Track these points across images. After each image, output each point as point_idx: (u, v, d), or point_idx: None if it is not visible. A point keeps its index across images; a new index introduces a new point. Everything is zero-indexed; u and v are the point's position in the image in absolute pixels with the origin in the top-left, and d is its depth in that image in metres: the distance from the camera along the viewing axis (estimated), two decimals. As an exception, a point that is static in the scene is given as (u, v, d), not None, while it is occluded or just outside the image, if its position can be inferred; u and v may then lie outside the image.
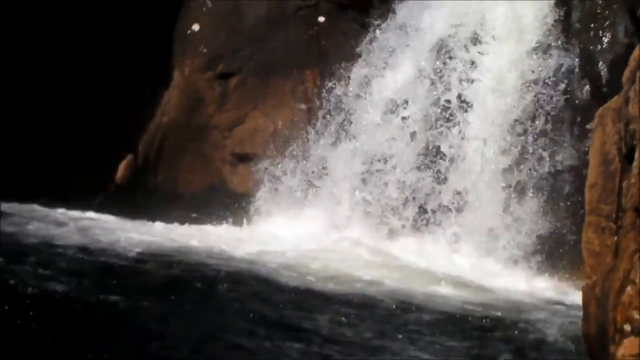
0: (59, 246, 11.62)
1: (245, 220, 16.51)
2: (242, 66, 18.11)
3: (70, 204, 16.03)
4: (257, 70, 18.01)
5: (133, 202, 17.43)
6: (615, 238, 7.13)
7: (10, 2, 17.13)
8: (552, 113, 14.81)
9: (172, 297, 9.66)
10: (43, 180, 16.61)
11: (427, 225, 15.29)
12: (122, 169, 18.75)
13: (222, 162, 18.24)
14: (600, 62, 14.52)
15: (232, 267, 11.88)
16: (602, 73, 14.45)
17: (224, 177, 18.13)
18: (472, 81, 15.57)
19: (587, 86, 14.59)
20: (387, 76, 16.50)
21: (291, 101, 17.78)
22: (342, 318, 9.44)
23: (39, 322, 7.69)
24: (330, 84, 17.12)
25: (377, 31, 16.77)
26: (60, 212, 15.59)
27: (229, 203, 16.94)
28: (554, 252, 14.42)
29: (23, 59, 17.42)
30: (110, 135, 18.21)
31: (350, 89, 16.85)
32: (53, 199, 16.06)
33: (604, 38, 14.58)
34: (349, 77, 16.92)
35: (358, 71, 16.82)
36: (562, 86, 14.86)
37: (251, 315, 9.17)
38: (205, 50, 18.31)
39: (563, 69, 14.90)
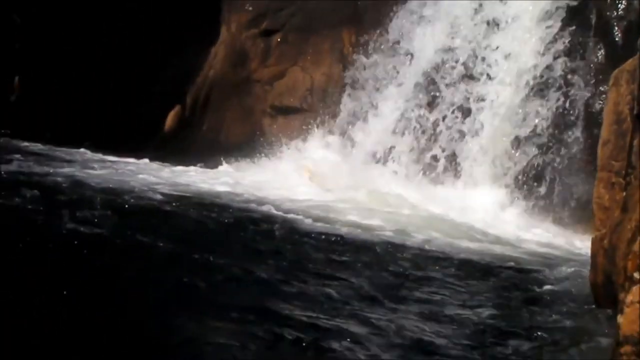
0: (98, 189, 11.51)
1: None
2: (284, 24, 18.08)
3: (121, 152, 16.04)
4: (297, 28, 17.96)
5: (180, 150, 17.36)
6: (624, 193, 7.11)
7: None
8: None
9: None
10: (96, 129, 16.74)
11: (453, 173, 15.28)
12: (170, 119, 18.88)
13: (262, 114, 18.30)
14: (616, 28, 14.38)
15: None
16: (617, 38, 14.31)
17: (264, 127, 18.21)
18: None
19: (603, 50, 14.46)
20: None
21: (328, 58, 17.72)
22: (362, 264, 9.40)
23: (70, 261, 7.70)
24: (364, 42, 17.07)
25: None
26: (111, 159, 15.59)
27: (267, 152, 16.80)
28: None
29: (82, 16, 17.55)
30: (160, 87, 18.40)
31: (383, 46, 16.77)
32: (105, 147, 16.12)
33: (619, 5, 14.42)
34: (382, 35, 16.83)
35: (391, 29, 16.71)
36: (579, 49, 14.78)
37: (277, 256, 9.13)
38: (250, 8, 18.31)
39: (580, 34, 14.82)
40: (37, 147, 15.32)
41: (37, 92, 16.97)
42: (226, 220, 10.36)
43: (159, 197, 11.38)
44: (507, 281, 8.94)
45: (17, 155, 13.62)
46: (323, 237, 10.18)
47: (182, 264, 8.03)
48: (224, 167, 16.25)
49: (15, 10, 16.93)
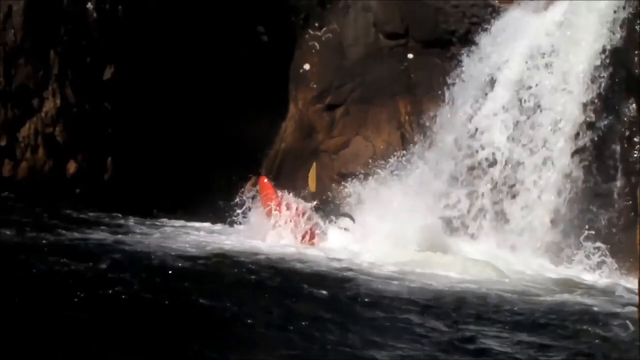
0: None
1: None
2: (345, 98, 19.86)
3: (203, 218, 17.53)
4: (358, 101, 19.72)
5: None
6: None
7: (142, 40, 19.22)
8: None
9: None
10: (182, 199, 18.35)
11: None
12: (248, 188, 20.55)
13: (330, 180, 19.94)
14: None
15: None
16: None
17: (332, 193, 19.79)
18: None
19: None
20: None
21: (387, 127, 19.35)
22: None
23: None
24: (419, 111, 18.51)
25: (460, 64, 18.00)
26: (194, 225, 17.06)
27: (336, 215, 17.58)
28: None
29: (164, 98, 19.44)
30: (237, 161, 20.02)
31: (436, 115, 18.10)
32: (190, 214, 17.74)
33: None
34: (436, 104, 18.20)
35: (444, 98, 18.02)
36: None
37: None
38: (315, 85, 20.15)
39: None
40: (127, 220, 16.74)
41: (127, 170, 18.79)
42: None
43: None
44: None
45: (104, 227, 15.09)
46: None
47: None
48: None
49: (106, 100, 18.77)
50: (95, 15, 18.40)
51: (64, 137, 18.26)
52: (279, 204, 16.06)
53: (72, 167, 18.56)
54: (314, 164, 17.29)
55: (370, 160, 19.20)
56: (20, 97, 17.90)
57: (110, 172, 18.93)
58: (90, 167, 18.73)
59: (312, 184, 17.06)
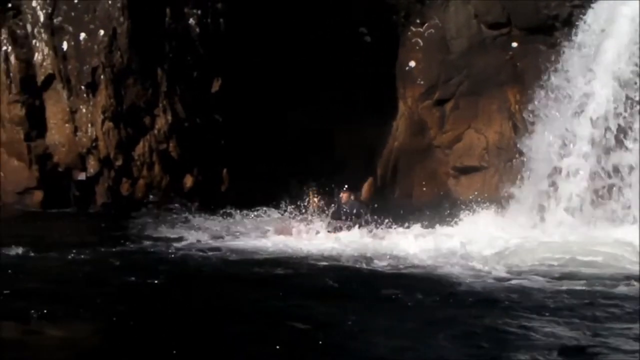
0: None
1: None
2: (454, 92, 19.68)
3: None
4: (466, 94, 19.52)
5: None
6: None
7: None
8: None
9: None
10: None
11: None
12: (365, 189, 20.63)
13: (446, 176, 19.90)
14: None
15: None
16: None
17: (449, 187, 19.77)
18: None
19: None
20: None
21: (498, 118, 19.12)
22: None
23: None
24: (528, 99, 18.17)
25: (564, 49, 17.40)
26: None
27: (453, 209, 17.18)
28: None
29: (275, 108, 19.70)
30: (355, 162, 20.14)
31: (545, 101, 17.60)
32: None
33: None
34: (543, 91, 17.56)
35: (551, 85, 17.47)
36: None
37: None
38: (422, 82, 20.03)
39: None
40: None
41: (241, 179, 19.11)
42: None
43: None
44: None
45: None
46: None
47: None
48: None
49: (217, 112, 19.15)
50: (197, 30, 18.80)
51: (178, 152, 18.72)
52: None
53: (189, 181, 19.00)
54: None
55: (484, 152, 19.39)
56: (132, 116, 18.46)
57: (226, 183, 19.33)
58: (206, 179, 19.16)
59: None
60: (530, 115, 17.73)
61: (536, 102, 17.51)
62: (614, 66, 16.41)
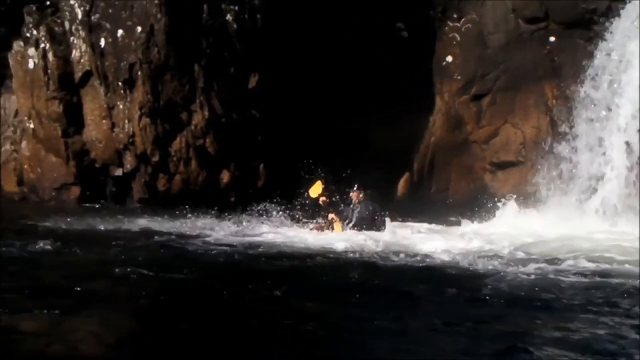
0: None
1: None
2: (491, 87, 19.58)
3: None
4: (503, 89, 19.43)
5: (413, 211, 17.92)
6: None
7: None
8: None
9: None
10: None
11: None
12: (401, 185, 20.65)
13: (483, 171, 19.81)
14: None
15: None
16: None
17: (485, 183, 19.68)
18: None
19: None
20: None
21: (535, 112, 19.00)
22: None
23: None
24: (566, 94, 18.10)
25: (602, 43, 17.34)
26: None
27: (490, 204, 17.25)
28: None
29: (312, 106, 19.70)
30: (392, 158, 20.10)
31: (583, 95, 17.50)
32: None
33: None
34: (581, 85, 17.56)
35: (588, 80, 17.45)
36: None
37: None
38: (459, 77, 19.97)
39: None
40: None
41: (278, 177, 19.12)
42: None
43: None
44: None
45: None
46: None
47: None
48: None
49: (254, 107, 19.17)
50: (235, 26, 18.84)
51: (215, 147, 18.77)
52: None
53: (225, 176, 19.06)
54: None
55: (521, 147, 19.28)
56: (169, 112, 18.55)
57: (263, 178, 19.35)
58: (243, 175, 19.20)
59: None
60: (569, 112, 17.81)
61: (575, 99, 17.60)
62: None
